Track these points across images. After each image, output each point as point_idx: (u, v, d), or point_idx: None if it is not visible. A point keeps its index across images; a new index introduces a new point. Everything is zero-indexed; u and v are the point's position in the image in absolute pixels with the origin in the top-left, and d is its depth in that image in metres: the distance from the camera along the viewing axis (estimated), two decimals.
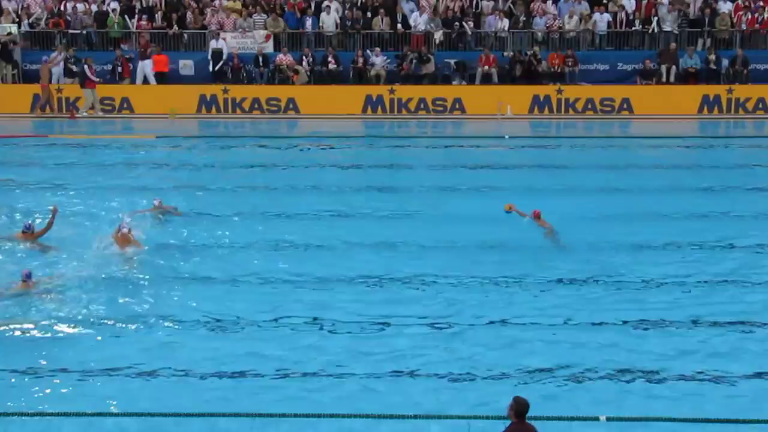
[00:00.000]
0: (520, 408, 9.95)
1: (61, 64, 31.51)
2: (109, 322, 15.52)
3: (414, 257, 18.35)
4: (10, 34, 32.11)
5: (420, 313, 15.70)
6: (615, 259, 17.95)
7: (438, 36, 32.88)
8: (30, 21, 33.33)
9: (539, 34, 33.11)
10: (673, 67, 32.19)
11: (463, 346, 14.50)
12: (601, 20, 33.17)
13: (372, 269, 17.58)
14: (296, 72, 31.58)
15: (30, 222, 18.90)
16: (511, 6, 33.73)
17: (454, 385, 13.21)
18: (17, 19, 33.17)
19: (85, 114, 30.54)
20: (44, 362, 14.23)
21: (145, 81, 32.02)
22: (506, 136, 28.38)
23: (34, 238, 18.51)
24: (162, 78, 32.00)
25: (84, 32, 33.19)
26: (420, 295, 16.66)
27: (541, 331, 14.97)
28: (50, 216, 18.72)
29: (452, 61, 32.62)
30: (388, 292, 16.82)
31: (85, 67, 30.43)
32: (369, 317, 15.57)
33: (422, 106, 31.27)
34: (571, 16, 33.25)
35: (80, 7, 33.53)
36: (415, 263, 18.00)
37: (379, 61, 31.97)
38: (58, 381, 13.76)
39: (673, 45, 32.43)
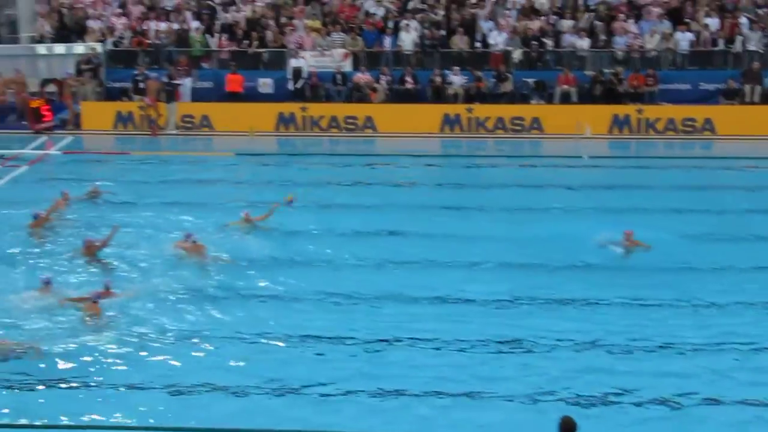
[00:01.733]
0: (566, 428, 9.82)
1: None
2: (180, 337, 15.66)
3: (490, 277, 18.27)
4: (94, 51, 32.64)
5: (494, 334, 15.60)
6: (695, 281, 17.68)
7: (517, 55, 32.73)
8: (113, 39, 33.87)
9: (620, 53, 32.76)
10: (757, 86, 31.63)
11: (542, 367, 14.40)
12: (683, 39, 32.72)
13: (449, 288, 17.53)
14: (374, 90, 31.63)
15: (91, 238, 19.20)
16: (592, 25, 33.43)
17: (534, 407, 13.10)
18: (101, 38, 33.71)
19: (174, 131, 30.91)
20: (111, 377, 14.38)
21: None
22: (585, 156, 28.11)
23: (92, 253, 18.82)
24: (235, 98, 32.20)
25: (166, 50, 33.63)
26: (494, 314, 16.57)
27: (625, 358, 14.78)
28: (110, 232, 19.10)
29: (531, 80, 32.42)
30: (463, 311, 16.75)
31: (174, 82, 30.98)
32: (444, 335, 15.53)
33: (500, 125, 31.12)
34: (652, 35, 32.87)
35: (162, 26, 34.00)
36: (491, 283, 17.91)
37: (457, 80, 31.90)
38: (126, 395, 13.88)
39: (756, 64, 31.86)
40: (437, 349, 15.20)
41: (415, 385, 13.94)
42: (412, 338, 15.52)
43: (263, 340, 15.52)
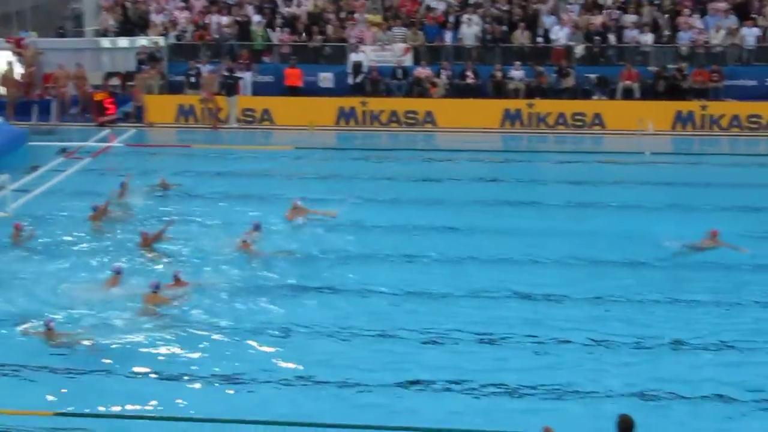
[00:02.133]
0: (624, 426, 9.74)
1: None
2: (241, 329, 15.76)
3: (553, 273, 18.18)
4: (157, 44, 32.91)
5: (558, 331, 15.54)
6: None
7: (579, 50, 32.44)
8: (176, 33, 34.12)
9: (684, 48, 32.32)
10: None
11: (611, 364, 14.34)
12: (750, 34, 32.19)
13: (513, 283, 17.49)
14: (434, 84, 31.52)
15: (147, 231, 19.37)
16: (656, 20, 33.03)
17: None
18: (164, 32, 33.99)
19: (235, 125, 31.05)
20: (173, 369, 14.51)
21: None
22: (647, 153, 27.79)
23: (148, 245, 19.11)
24: (295, 92, 32.27)
25: (228, 44, 33.81)
26: (559, 311, 16.48)
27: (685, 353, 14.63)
28: (164, 225, 19.50)
29: (593, 76, 32.09)
30: (527, 307, 16.68)
31: (235, 75, 31.17)
32: (512, 332, 15.48)
33: (561, 120, 30.85)
34: (717, 31, 32.39)
35: (224, 19, 34.19)
36: (550, 279, 17.83)
37: (518, 75, 31.68)
38: (191, 387, 14.00)
39: None
40: (490, 343, 15.16)
41: (490, 378, 13.93)
42: (475, 333, 15.48)
43: (321, 334, 15.59)
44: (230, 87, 31.18)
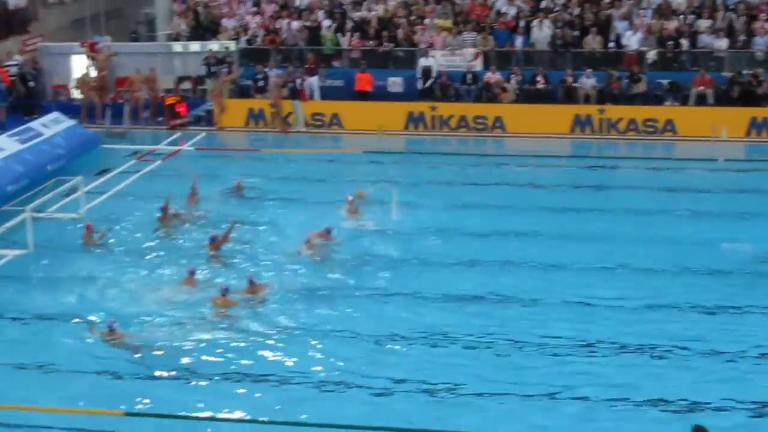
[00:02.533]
0: None
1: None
2: (308, 332, 15.80)
3: (623, 280, 18.02)
4: (228, 49, 33.14)
5: (623, 339, 15.38)
6: None
7: (651, 55, 32.05)
8: (247, 38, 34.34)
9: (759, 54, 31.79)
10: None
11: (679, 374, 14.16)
12: None
13: (581, 291, 17.36)
14: (504, 90, 31.34)
15: (216, 233, 19.48)
16: (731, 24, 32.53)
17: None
18: (235, 36, 34.22)
19: (303, 129, 31.14)
20: (243, 371, 14.58)
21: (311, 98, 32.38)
22: (720, 159, 27.37)
23: (215, 248, 19.25)
24: (364, 96, 32.28)
25: (298, 49, 33.95)
26: (622, 318, 16.34)
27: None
28: (228, 228, 19.62)
29: (665, 81, 31.68)
30: (595, 314, 16.54)
31: (299, 81, 31.29)
32: (578, 340, 15.37)
33: (632, 126, 30.48)
34: None
35: (295, 24, 34.34)
36: (621, 286, 17.68)
37: (588, 83, 31.35)
38: (258, 388, 14.06)
39: None
40: (555, 355, 15.02)
41: (543, 389, 13.83)
42: (537, 343, 15.38)
43: (385, 339, 15.58)
44: (293, 91, 31.23)
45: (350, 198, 21.33)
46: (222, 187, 23.80)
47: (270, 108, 31.31)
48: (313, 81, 32.44)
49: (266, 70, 32.15)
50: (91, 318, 16.32)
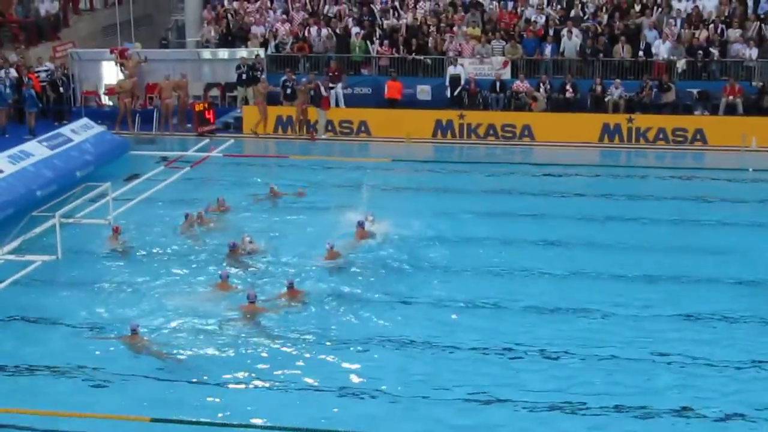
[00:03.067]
0: None
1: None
2: (326, 340, 15.81)
3: (651, 290, 17.93)
4: (257, 56, 33.22)
5: (652, 348, 15.32)
6: None
7: (681, 65, 31.88)
8: (275, 44, 34.42)
9: None
10: None
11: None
12: None
13: (607, 300, 17.30)
14: (534, 99, 31.24)
15: (235, 241, 19.66)
16: (761, 34, 32.32)
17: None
18: (264, 43, 34.31)
19: (323, 137, 31.17)
20: (269, 378, 14.59)
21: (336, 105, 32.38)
22: (750, 169, 27.19)
23: (237, 253, 19.50)
24: (393, 104, 32.27)
25: (326, 56, 34.00)
26: (649, 328, 16.27)
27: None
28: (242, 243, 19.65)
29: (695, 91, 31.52)
30: (623, 324, 16.47)
31: (322, 88, 31.30)
32: (599, 351, 15.29)
33: (661, 136, 30.33)
34: None
35: (324, 31, 34.39)
36: (653, 296, 17.60)
37: (617, 93, 31.21)
38: (282, 396, 14.06)
39: None
40: (581, 360, 14.99)
41: (570, 396, 13.78)
42: (562, 351, 15.33)
43: (411, 347, 15.56)
44: (317, 99, 31.21)
45: (362, 219, 21.05)
46: (255, 192, 23.92)
47: (298, 115, 31.36)
48: (337, 88, 32.42)
49: (294, 77, 32.16)
50: (116, 322, 16.37)
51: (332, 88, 32.09)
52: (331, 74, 32.60)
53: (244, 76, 32.70)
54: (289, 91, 31.72)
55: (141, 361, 15.07)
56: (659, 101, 31.13)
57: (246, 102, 32.61)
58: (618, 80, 31.50)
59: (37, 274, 18.95)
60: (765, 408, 13.42)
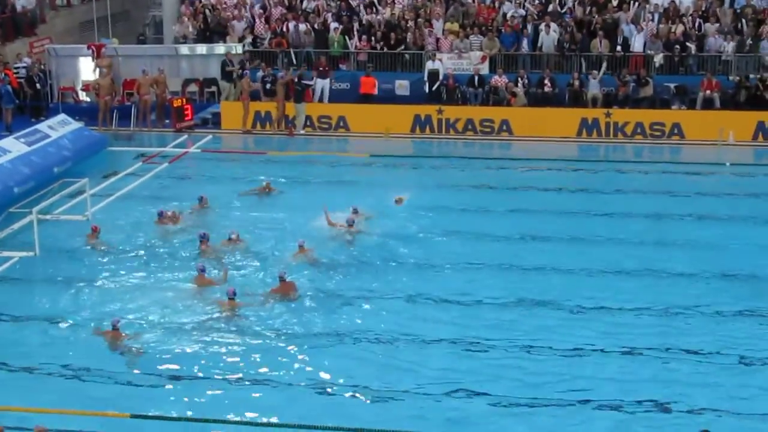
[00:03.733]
0: None
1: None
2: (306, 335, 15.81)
3: (630, 283, 18.03)
4: (246, 53, 33.11)
5: (636, 341, 15.42)
6: None
7: (658, 59, 32.01)
8: (252, 40, 34.33)
9: (767, 57, 31.74)
10: None
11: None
12: None
13: (589, 295, 17.39)
14: (514, 95, 31.28)
15: (205, 232, 19.86)
16: (738, 28, 32.49)
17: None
18: (242, 39, 34.23)
19: (302, 132, 31.13)
20: (248, 373, 14.60)
21: (320, 100, 32.37)
22: (727, 164, 27.32)
23: (207, 246, 19.63)
24: (369, 99, 32.25)
25: (304, 51, 33.97)
26: (638, 322, 16.35)
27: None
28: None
29: (672, 85, 31.66)
30: (604, 318, 16.56)
31: (304, 82, 31.25)
32: (580, 345, 15.38)
33: (639, 130, 30.44)
34: None
35: (302, 27, 34.35)
36: (627, 289, 17.69)
37: (594, 85, 31.31)
38: (266, 392, 14.06)
39: None
40: (576, 356, 15.07)
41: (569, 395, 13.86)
42: (546, 346, 15.39)
43: (400, 343, 15.61)
44: (298, 94, 31.17)
45: (349, 215, 21.09)
46: (251, 188, 24.11)
47: (276, 110, 31.29)
48: (325, 84, 32.39)
49: (274, 72, 32.09)
50: (94, 319, 16.35)
51: (310, 85, 31.95)
52: (320, 69, 32.49)
53: (233, 72, 32.53)
54: (268, 86, 31.64)
55: (119, 357, 15.05)
56: (637, 95, 31.25)
57: (226, 98, 32.55)
58: (595, 71, 31.58)
59: (14, 271, 18.87)
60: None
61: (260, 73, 32.14)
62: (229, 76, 32.63)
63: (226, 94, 32.84)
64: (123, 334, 15.52)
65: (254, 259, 19.21)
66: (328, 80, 32.53)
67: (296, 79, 31.29)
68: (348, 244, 19.94)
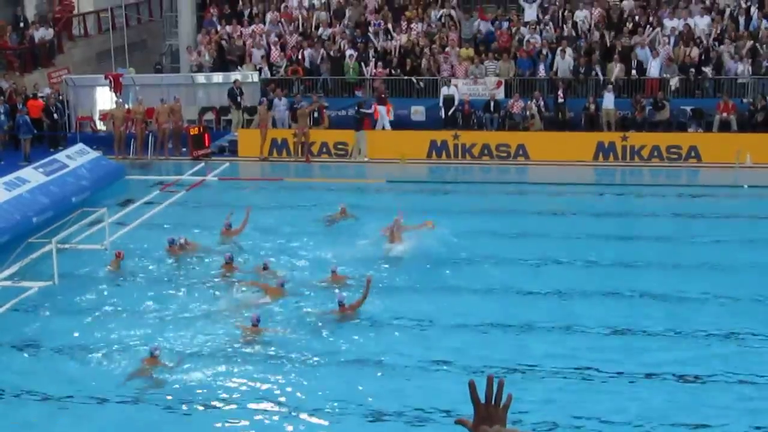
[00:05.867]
0: None
1: (284, 110, 32.38)
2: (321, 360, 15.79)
3: (646, 307, 17.97)
4: (246, 82, 33.27)
5: (671, 367, 15.40)
6: None
7: (674, 82, 31.99)
8: (267, 67, 34.49)
9: None
10: None
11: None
12: None
13: (606, 317, 17.36)
14: (532, 116, 31.25)
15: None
16: (754, 51, 32.45)
17: None
18: (258, 67, 34.38)
19: (365, 159, 31.05)
20: (277, 400, 14.56)
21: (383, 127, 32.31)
22: (745, 186, 27.25)
23: (231, 234, 20.99)
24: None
25: (321, 79, 34.10)
26: (658, 344, 16.29)
27: None
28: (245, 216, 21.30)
29: (688, 108, 31.63)
30: (623, 341, 16.52)
31: (363, 111, 31.21)
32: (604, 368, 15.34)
33: (656, 153, 30.38)
34: None
35: (317, 54, 34.47)
36: (645, 314, 17.63)
37: (610, 99, 31.10)
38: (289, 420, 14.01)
39: None
40: (604, 382, 15.04)
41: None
42: (575, 367, 15.34)
43: (424, 368, 15.59)
44: (358, 122, 31.00)
45: (391, 224, 21.32)
46: (327, 213, 24.00)
47: (295, 138, 31.31)
48: (382, 111, 32.26)
49: (291, 100, 32.16)
50: (114, 346, 16.39)
51: (368, 113, 31.82)
52: (381, 96, 32.45)
53: (238, 99, 32.75)
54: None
55: (147, 385, 15.05)
56: (653, 119, 31.22)
57: (243, 125, 32.69)
58: (610, 86, 31.49)
59: (33, 301, 18.93)
60: None
61: (277, 100, 32.26)
62: (238, 104, 32.79)
63: (236, 122, 32.99)
64: (160, 363, 15.50)
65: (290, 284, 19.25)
66: (385, 108, 32.31)
67: (357, 108, 31.20)
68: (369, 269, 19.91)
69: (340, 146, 31.62)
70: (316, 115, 31.42)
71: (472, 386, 4.19)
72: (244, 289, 18.88)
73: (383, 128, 32.19)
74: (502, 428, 4.09)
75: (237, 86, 32.83)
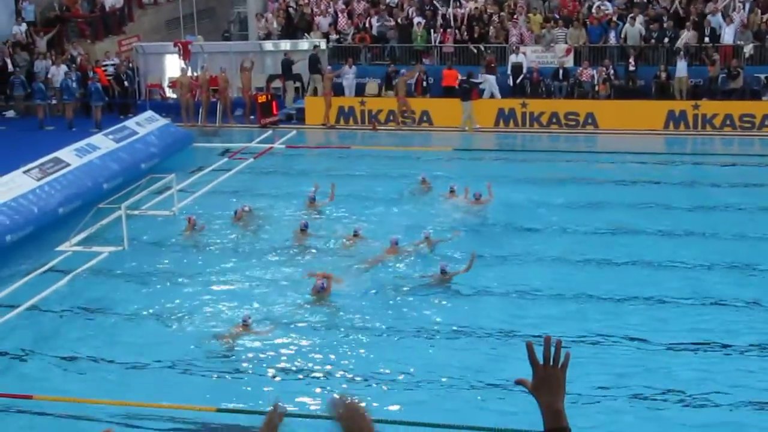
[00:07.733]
0: None
1: (352, 78, 32.32)
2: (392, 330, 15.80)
3: (723, 276, 17.75)
4: (316, 47, 33.28)
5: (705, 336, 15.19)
6: None
7: (748, 49, 31.34)
8: (337, 36, 34.45)
9: None
10: None
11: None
12: None
13: (672, 289, 17.14)
14: (604, 81, 30.78)
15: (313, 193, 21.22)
16: None
17: None
18: (326, 35, 34.35)
19: (467, 129, 30.68)
20: (351, 369, 14.64)
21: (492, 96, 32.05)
22: None
23: (316, 206, 21.66)
24: (450, 93, 31.97)
25: (388, 47, 33.97)
26: (733, 318, 16.08)
27: None
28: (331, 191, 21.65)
29: (763, 76, 30.98)
30: (696, 311, 16.32)
31: (472, 80, 30.90)
32: (667, 339, 15.16)
33: (728, 122, 29.83)
34: None
35: (385, 21, 34.33)
36: (725, 283, 17.42)
37: (682, 66, 30.49)
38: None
39: None
40: (640, 349, 14.90)
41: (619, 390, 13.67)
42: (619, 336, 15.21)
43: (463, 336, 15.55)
44: (466, 92, 30.76)
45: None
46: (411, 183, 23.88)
47: (399, 106, 31.13)
48: (491, 80, 31.99)
49: (397, 68, 32.07)
50: (184, 312, 16.54)
51: (478, 83, 31.51)
52: (490, 66, 32.15)
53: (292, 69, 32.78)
54: (393, 82, 31.67)
55: (207, 350, 15.19)
56: (726, 87, 30.63)
57: (314, 92, 32.72)
58: (683, 53, 30.87)
59: (104, 265, 19.20)
60: None
61: (347, 68, 32.25)
62: (293, 76, 32.79)
63: (291, 94, 33.03)
64: (252, 331, 15.58)
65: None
66: (494, 77, 32.04)
67: (466, 77, 30.90)
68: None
69: (405, 114, 31.46)
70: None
71: (529, 348, 4.24)
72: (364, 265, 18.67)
73: (491, 96, 31.85)
74: None
75: (289, 57, 32.76)
